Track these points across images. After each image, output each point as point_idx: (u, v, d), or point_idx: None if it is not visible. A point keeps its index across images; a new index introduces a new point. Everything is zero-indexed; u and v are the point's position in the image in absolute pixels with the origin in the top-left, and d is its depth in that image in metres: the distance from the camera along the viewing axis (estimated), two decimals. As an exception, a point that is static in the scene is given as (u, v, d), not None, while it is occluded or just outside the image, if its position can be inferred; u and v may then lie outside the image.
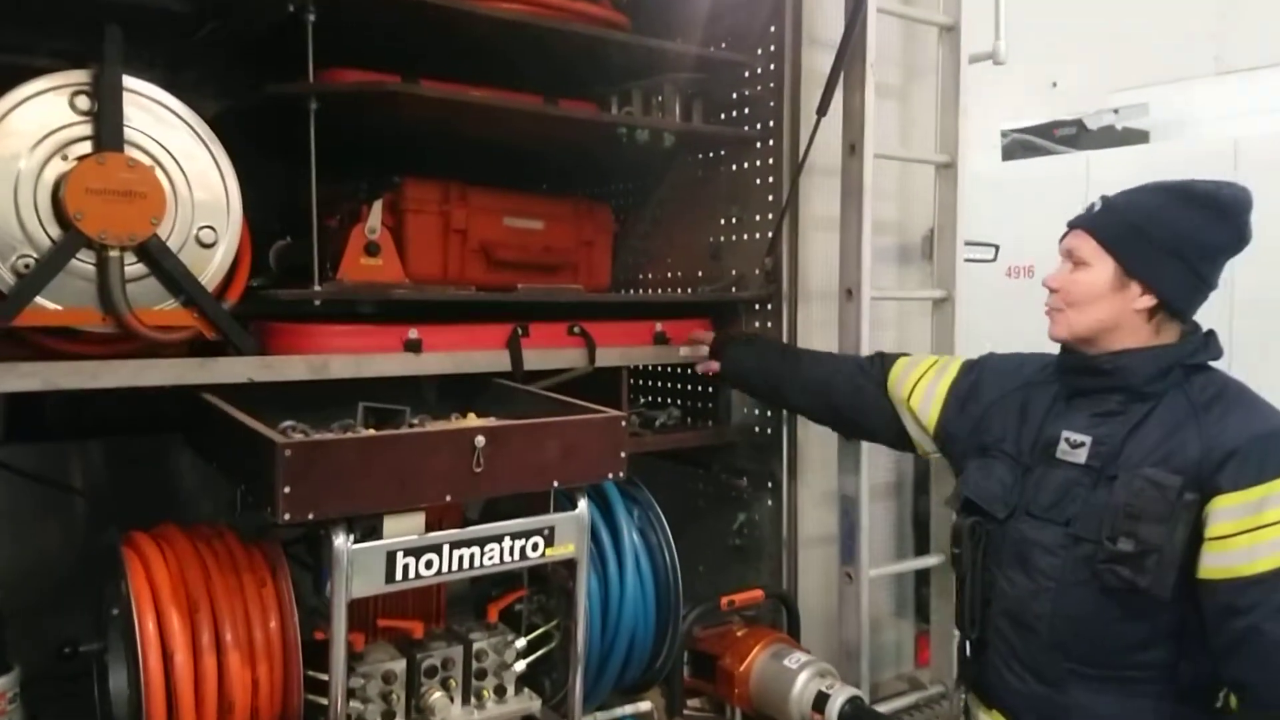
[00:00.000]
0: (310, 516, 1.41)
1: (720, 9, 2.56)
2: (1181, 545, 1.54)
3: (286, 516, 1.38)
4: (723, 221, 2.63)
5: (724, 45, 2.57)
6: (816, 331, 2.47)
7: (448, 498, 1.54)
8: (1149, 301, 1.67)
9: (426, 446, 1.52)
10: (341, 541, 1.46)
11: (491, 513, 1.82)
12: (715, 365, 2.37)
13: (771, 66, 2.46)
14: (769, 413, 2.53)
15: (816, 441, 2.49)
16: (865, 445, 2.35)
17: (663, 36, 2.40)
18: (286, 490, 1.38)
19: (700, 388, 2.73)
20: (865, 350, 2.30)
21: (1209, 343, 1.70)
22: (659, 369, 2.87)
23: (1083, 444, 1.68)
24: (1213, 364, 1.70)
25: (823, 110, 2.25)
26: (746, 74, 2.53)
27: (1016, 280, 4.34)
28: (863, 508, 2.37)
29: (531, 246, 2.57)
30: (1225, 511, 1.53)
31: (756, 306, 2.53)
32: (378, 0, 1.95)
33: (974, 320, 2.54)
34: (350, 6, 1.96)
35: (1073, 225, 1.76)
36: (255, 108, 2.11)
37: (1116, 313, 1.68)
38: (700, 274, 2.73)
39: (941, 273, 2.52)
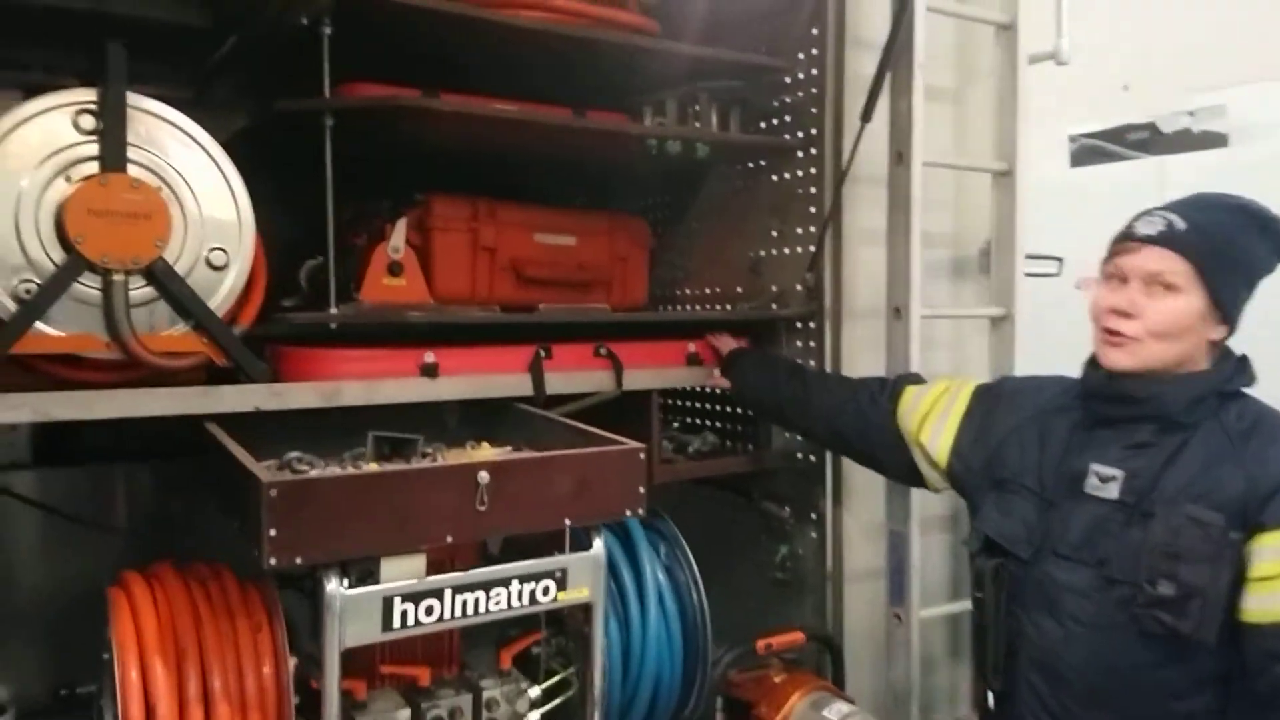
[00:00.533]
0: (298, 561, 1.31)
1: (758, 12, 2.43)
2: (1226, 587, 1.42)
3: (272, 561, 1.29)
4: (764, 234, 2.50)
5: (763, 50, 2.44)
6: (862, 352, 2.31)
7: (449, 539, 1.43)
8: (1223, 332, 1.53)
9: (425, 484, 1.41)
10: (334, 586, 1.36)
11: (516, 548, 1.71)
12: (725, 381, 2.26)
13: (813, 71, 2.33)
14: (812, 437, 2.38)
15: (863, 469, 2.33)
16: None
17: (698, 43, 2.28)
18: (272, 533, 1.29)
19: (738, 409, 2.59)
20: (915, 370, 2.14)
21: (1243, 368, 1.56)
22: (694, 389, 2.74)
23: (1114, 478, 1.53)
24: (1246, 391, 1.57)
25: (867, 116, 2.11)
26: (787, 80, 2.40)
27: (1087, 293, 4.09)
28: (912, 542, 2.21)
29: (564, 263, 2.47)
30: (1269, 550, 1.41)
31: (798, 325, 2.38)
32: (395, 11, 1.86)
33: (1039, 338, 2.36)
34: (367, 19, 1.89)
35: (1153, 242, 1.54)
36: (275, 124, 2.05)
37: (1195, 344, 1.53)
38: (739, 290, 2.59)
39: (1000, 288, 2.35)
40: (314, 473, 1.49)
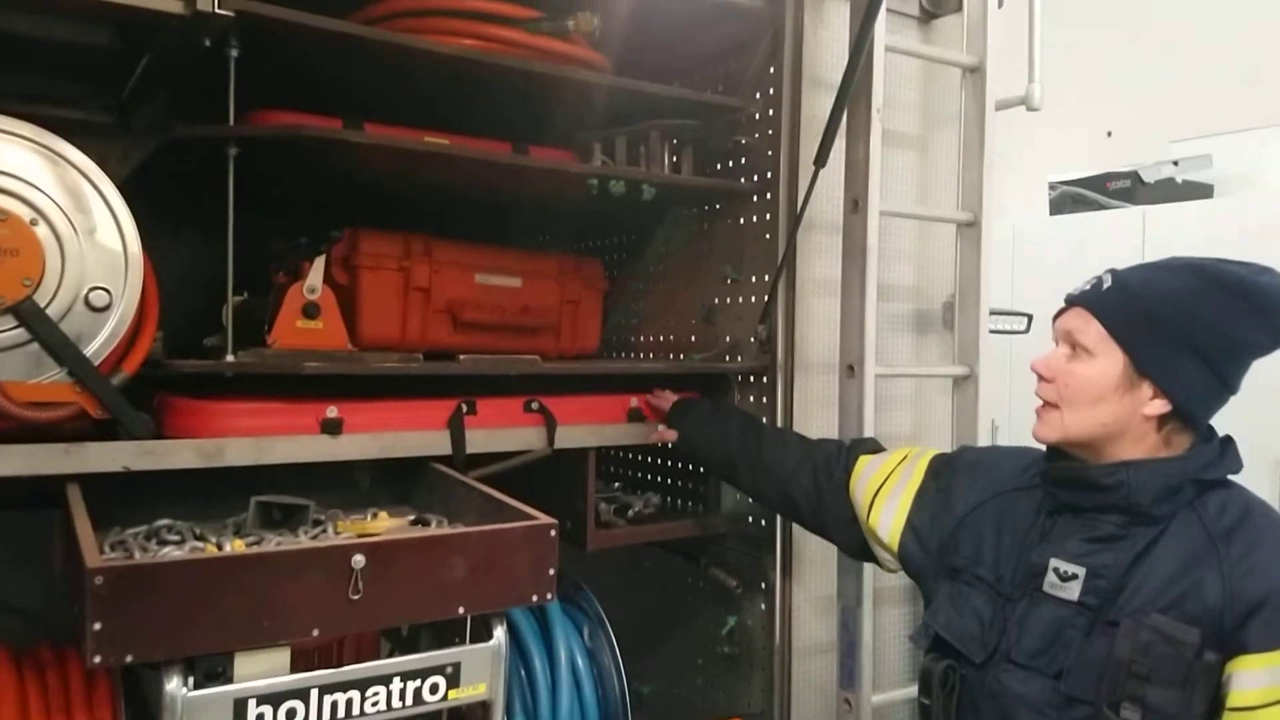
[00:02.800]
0: (129, 659, 1.13)
1: (715, 50, 2.31)
2: (1201, 716, 1.26)
3: (96, 659, 1.11)
4: (719, 282, 2.34)
5: (719, 89, 2.30)
6: (817, 411, 2.15)
7: (315, 632, 1.25)
8: (1162, 407, 1.37)
9: (286, 569, 1.23)
10: (174, 686, 1.18)
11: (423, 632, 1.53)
12: (672, 434, 2.08)
13: (770, 111, 2.19)
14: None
15: (816, 536, 2.16)
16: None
17: (656, 80, 2.14)
18: (96, 627, 1.11)
19: (686, 468, 2.42)
20: (870, 433, 1.98)
21: (1226, 453, 1.39)
22: (637, 446, 2.56)
23: (1075, 576, 1.36)
24: (1231, 479, 1.41)
25: (820, 161, 1.96)
26: (743, 120, 2.26)
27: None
28: (865, 619, 2.03)
29: (507, 307, 2.31)
30: (1250, 677, 1.25)
31: (752, 379, 2.23)
32: (305, 36, 1.72)
33: (1012, 402, 2.21)
34: (276, 44, 1.74)
35: (1073, 302, 1.45)
36: (179, 152, 1.89)
37: (1121, 417, 1.38)
38: (694, 340, 2.44)
39: (963, 346, 2.19)
40: (150, 556, 1.31)
